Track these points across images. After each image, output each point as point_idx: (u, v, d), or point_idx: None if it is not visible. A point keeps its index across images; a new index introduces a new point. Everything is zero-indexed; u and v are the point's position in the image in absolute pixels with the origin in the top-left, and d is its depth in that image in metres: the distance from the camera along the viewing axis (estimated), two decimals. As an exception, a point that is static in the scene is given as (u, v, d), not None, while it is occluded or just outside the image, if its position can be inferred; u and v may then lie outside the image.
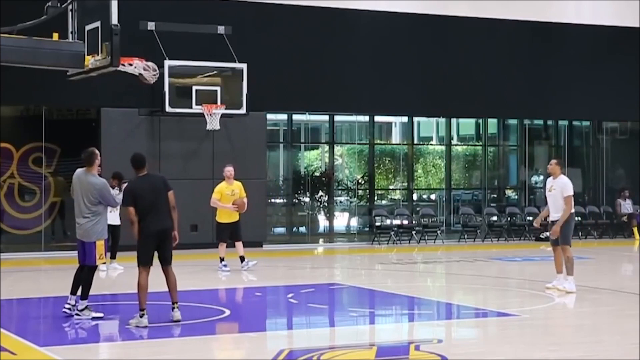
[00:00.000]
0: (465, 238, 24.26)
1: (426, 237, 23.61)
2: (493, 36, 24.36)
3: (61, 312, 11.47)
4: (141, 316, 10.69)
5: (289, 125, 24.94)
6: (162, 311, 11.26)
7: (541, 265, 17.72)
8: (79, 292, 11.38)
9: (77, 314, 11.23)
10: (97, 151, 11.55)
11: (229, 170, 16.73)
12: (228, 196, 16.53)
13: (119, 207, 16.22)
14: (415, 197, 26.35)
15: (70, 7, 11.01)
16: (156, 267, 10.93)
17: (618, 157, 27.17)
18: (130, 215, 10.79)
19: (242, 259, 16.72)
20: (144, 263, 10.84)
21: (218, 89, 20.03)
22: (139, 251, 10.86)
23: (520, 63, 24.62)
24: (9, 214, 21.25)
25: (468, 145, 27.69)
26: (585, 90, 25.14)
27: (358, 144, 25.74)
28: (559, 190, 13.74)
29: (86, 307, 11.25)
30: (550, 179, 14.10)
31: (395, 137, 27.48)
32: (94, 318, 11.20)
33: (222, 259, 16.58)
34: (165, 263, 10.93)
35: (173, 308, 10.93)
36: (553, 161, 14.23)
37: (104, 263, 11.36)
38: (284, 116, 24.59)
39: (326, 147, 25.89)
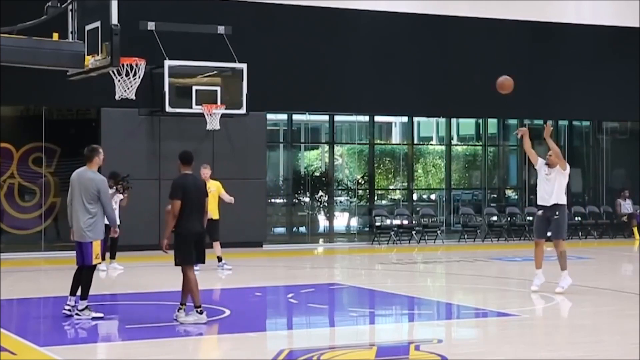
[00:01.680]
0: (465, 238, 24.26)
1: (426, 237, 23.61)
2: (493, 36, 24.35)
3: (61, 313, 11.45)
4: (200, 312, 10.77)
5: (289, 125, 24.93)
6: (162, 311, 11.25)
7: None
8: (78, 293, 11.36)
9: (77, 314, 11.21)
10: (100, 148, 11.51)
11: (204, 173, 16.00)
12: None
13: (117, 207, 16.28)
14: (415, 197, 26.34)
15: (70, 7, 11.00)
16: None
17: (618, 157, 27.16)
18: (175, 209, 10.75)
19: (219, 259, 16.68)
20: (189, 262, 10.90)
21: (218, 89, 20.04)
22: (184, 252, 10.84)
23: (520, 63, 24.59)
24: (9, 214, 21.24)
25: (468, 145, 27.68)
26: (585, 90, 25.13)
27: (358, 144, 25.73)
28: (558, 176, 13.61)
29: (86, 307, 11.23)
30: (544, 167, 13.86)
31: (395, 137, 27.47)
32: (94, 318, 11.17)
33: None
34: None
35: (180, 308, 10.93)
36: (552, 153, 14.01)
37: (100, 262, 11.28)
38: (284, 116, 24.58)
39: (326, 147, 25.88)
